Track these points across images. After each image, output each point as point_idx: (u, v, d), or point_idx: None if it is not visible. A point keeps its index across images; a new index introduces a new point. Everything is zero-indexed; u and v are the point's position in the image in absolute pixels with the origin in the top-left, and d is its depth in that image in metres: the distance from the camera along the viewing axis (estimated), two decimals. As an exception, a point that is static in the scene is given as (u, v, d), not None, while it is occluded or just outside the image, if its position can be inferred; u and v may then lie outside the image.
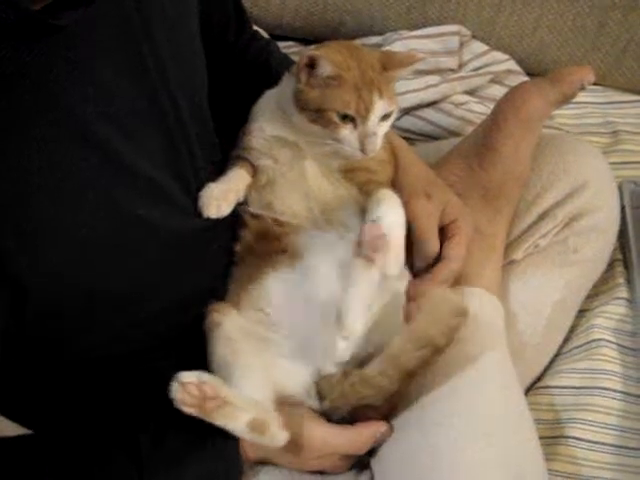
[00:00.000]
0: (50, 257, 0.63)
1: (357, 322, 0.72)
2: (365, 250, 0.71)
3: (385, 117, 0.78)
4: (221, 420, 0.68)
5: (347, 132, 0.77)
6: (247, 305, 0.80)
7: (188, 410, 0.66)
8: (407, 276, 0.82)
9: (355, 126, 0.77)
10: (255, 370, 0.74)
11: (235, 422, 0.68)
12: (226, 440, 0.71)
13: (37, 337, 0.67)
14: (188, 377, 0.66)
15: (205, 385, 0.66)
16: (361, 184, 0.81)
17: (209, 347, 0.77)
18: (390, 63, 0.79)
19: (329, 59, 0.75)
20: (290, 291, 0.79)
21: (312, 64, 0.76)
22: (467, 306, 0.74)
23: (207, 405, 0.66)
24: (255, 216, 0.82)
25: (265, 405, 0.71)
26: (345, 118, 0.76)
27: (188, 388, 0.65)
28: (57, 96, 0.62)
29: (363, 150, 0.77)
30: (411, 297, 0.80)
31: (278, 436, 0.70)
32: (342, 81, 0.76)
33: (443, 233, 0.83)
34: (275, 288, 0.79)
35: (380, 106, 0.77)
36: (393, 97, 0.79)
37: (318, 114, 0.77)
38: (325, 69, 0.75)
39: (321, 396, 0.76)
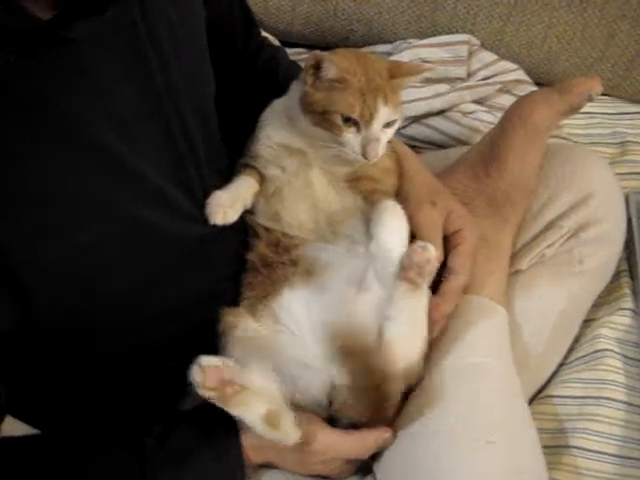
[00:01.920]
0: (53, 259, 0.64)
1: (399, 341, 0.73)
2: (411, 274, 0.71)
3: (389, 124, 0.79)
4: (237, 408, 0.68)
5: (350, 136, 0.77)
6: (262, 314, 0.80)
7: (207, 394, 0.66)
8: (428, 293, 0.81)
9: (358, 130, 0.77)
10: (268, 371, 0.74)
11: (251, 412, 0.68)
12: (229, 441, 0.71)
13: (42, 337, 0.68)
14: (208, 361, 0.67)
15: (225, 369, 0.67)
16: (366, 193, 0.82)
17: (222, 348, 0.77)
18: (397, 71, 0.79)
19: (334, 61, 0.76)
20: (307, 305, 0.79)
21: (318, 65, 0.77)
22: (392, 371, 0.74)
23: (226, 390, 0.67)
24: (265, 228, 0.83)
25: (280, 401, 0.72)
26: (348, 122, 0.77)
27: (208, 372, 0.66)
28: (63, 102, 0.63)
29: (365, 155, 0.77)
30: (434, 321, 0.78)
31: (291, 433, 0.70)
32: (347, 84, 0.76)
33: (448, 242, 0.83)
34: (291, 302, 0.80)
35: (384, 112, 0.77)
36: (398, 105, 0.79)
37: (322, 117, 0.78)
38: (330, 71, 0.76)
39: (330, 402, 0.77)
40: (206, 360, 0.67)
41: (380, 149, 0.78)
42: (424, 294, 0.75)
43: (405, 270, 0.72)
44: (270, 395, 0.71)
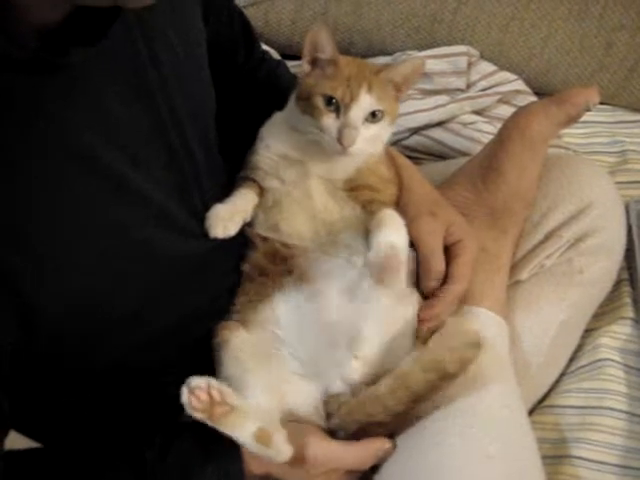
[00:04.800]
0: (58, 280, 0.64)
1: (369, 342, 0.73)
2: (375, 271, 0.71)
3: (373, 117, 0.78)
4: (228, 427, 0.68)
5: (330, 120, 0.78)
6: (256, 324, 0.80)
7: (197, 415, 0.67)
8: (418, 298, 0.82)
9: (338, 116, 0.78)
10: (263, 387, 0.75)
11: (241, 430, 0.69)
12: (230, 455, 0.71)
13: (44, 354, 0.68)
14: (198, 382, 0.67)
15: (214, 390, 0.67)
16: (365, 203, 0.82)
17: (217, 364, 0.78)
18: (388, 69, 0.81)
19: (332, 39, 0.78)
20: (299, 313, 0.79)
21: (315, 48, 0.79)
22: (482, 339, 0.74)
23: (215, 411, 0.67)
24: (263, 237, 0.83)
25: (272, 418, 0.72)
26: (330, 105, 0.77)
27: (197, 393, 0.67)
28: (65, 125, 0.63)
29: (340, 140, 0.77)
30: (422, 320, 0.80)
31: (282, 450, 0.70)
32: (337, 71, 0.78)
33: (448, 253, 0.83)
34: (284, 309, 0.80)
35: (366, 100, 0.77)
36: (386, 99, 0.79)
37: (308, 102, 0.79)
38: (326, 49, 0.78)
39: (328, 414, 0.77)
40: (195, 382, 0.67)
41: (358, 139, 0.77)
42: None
43: (369, 268, 0.72)
44: (261, 412, 0.71)
